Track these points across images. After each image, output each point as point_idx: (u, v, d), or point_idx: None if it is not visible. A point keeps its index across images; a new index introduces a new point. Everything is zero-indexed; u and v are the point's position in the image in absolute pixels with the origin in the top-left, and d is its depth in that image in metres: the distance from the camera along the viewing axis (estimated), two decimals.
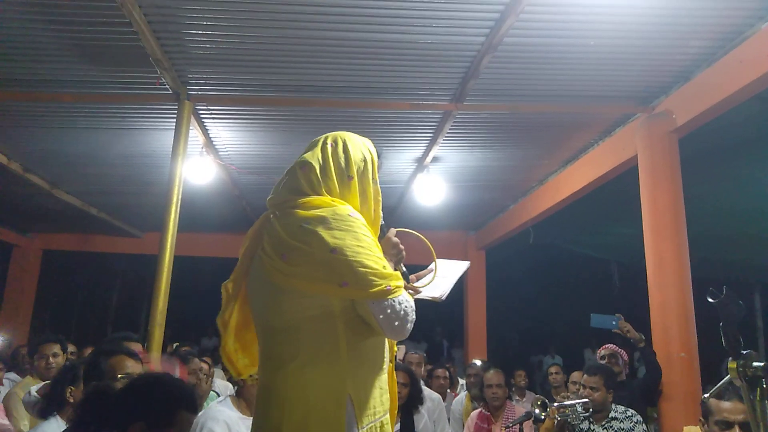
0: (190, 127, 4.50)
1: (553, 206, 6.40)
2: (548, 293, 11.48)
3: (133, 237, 9.38)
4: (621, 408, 3.53)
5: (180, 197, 4.24)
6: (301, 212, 1.58)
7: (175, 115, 4.39)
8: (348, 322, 1.55)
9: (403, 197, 7.16)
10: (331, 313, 1.54)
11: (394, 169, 6.23)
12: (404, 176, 6.50)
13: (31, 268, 9.58)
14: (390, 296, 1.51)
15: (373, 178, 1.76)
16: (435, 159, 5.83)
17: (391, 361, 1.78)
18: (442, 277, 1.96)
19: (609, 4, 3.35)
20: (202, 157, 5.28)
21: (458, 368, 6.99)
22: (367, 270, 1.50)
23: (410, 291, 1.86)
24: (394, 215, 7.93)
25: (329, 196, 1.64)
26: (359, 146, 1.76)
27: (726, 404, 2.08)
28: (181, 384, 1.90)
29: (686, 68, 4.07)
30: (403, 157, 5.90)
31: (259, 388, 1.64)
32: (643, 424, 3.46)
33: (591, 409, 3.43)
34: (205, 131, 5.13)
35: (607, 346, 4.46)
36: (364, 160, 1.74)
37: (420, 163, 5.98)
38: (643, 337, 4.16)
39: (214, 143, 5.46)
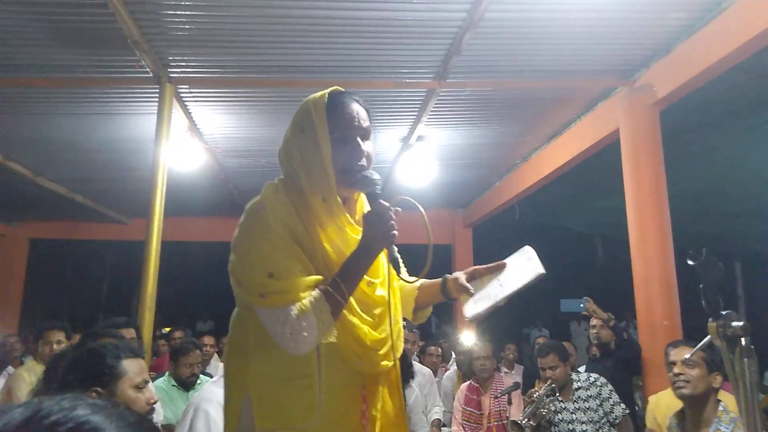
0: (173, 111, 4.44)
1: (537, 182, 6.45)
2: None
3: (120, 223, 9.32)
4: (583, 375, 3.57)
5: (165, 182, 4.22)
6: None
7: (157, 99, 4.33)
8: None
9: (389, 176, 7.16)
10: (250, 306, 1.41)
11: (379, 148, 6.22)
12: (390, 155, 6.49)
13: (19, 257, 9.53)
14: (268, 306, 1.33)
15: (311, 138, 1.43)
16: (420, 137, 5.83)
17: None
18: (513, 274, 1.65)
19: None
20: (187, 140, 5.24)
21: (452, 344, 7.08)
22: (253, 272, 1.36)
23: (464, 291, 1.65)
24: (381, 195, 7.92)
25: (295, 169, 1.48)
26: (303, 107, 1.49)
27: (672, 349, 2.59)
28: (112, 340, 1.98)
29: (666, 40, 4.09)
30: (388, 137, 5.90)
31: None
32: (609, 385, 3.50)
33: (555, 389, 3.39)
34: (188, 114, 5.08)
35: None
36: (307, 113, 1.46)
37: (405, 142, 5.97)
38: (612, 316, 4.21)
39: (198, 126, 5.41)
